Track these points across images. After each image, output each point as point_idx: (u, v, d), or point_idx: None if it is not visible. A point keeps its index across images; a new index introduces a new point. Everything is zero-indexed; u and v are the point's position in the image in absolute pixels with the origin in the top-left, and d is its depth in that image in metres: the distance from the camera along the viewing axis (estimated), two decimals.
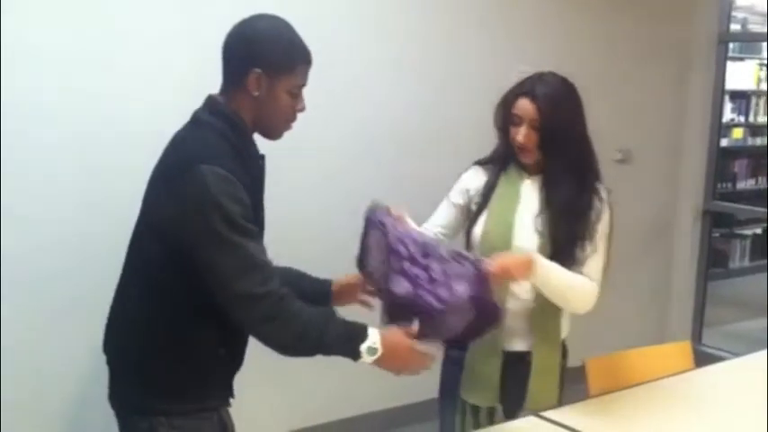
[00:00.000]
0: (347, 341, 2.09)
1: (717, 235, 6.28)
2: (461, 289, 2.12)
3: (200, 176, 1.97)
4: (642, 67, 4.99)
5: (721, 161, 5.71)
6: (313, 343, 2.07)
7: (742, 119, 7.21)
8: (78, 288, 3.21)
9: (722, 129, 5.72)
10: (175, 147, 2.15)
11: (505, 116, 2.46)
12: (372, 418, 4.07)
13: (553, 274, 2.36)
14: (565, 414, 2.41)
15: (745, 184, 6.94)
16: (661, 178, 5.29)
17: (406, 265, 2.17)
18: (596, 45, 4.77)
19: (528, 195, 2.50)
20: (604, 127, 4.80)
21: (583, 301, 2.47)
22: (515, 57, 4.35)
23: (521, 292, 2.45)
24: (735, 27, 5.61)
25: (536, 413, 2.43)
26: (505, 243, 2.44)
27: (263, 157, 2.25)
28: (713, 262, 5.94)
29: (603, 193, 2.52)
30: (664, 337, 5.17)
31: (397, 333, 2.15)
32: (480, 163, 2.61)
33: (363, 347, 2.08)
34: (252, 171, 2.16)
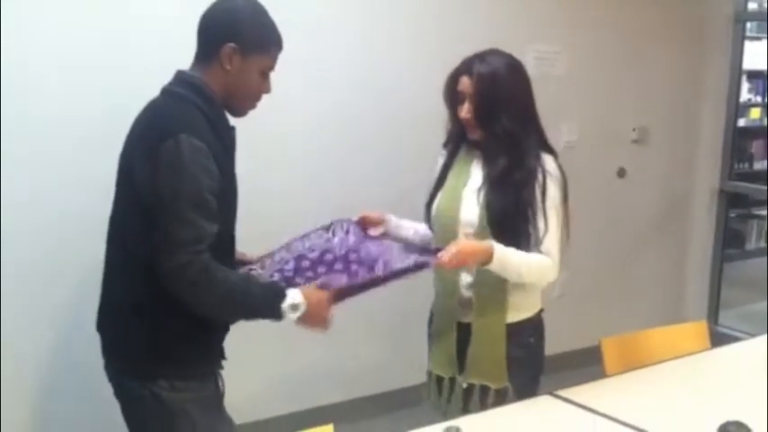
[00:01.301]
0: (269, 300, 2.20)
1: (733, 215, 6.24)
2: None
3: (177, 144, 2.06)
4: (659, 46, 4.96)
5: (738, 141, 5.68)
6: (237, 305, 2.18)
7: (759, 99, 7.15)
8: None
9: (739, 109, 5.68)
10: (152, 116, 2.21)
11: (452, 94, 2.56)
12: (370, 402, 4.11)
13: (509, 262, 2.44)
14: (580, 393, 2.41)
15: (763, 165, 6.88)
16: (677, 158, 5.26)
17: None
18: (612, 24, 4.74)
19: (476, 170, 2.60)
20: (620, 107, 4.86)
21: (540, 279, 2.54)
22: (528, 37, 4.34)
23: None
24: (752, 6, 5.54)
25: (551, 392, 2.44)
26: (454, 217, 2.58)
27: (233, 128, 2.32)
28: (729, 243, 5.91)
29: (551, 165, 2.53)
30: (680, 317, 5.16)
31: (313, 290, 2.29)
32: (443, 145, 2.73)
33: (285, 305, 2.19)
34: (224, 142, 2.23)
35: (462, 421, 2.21)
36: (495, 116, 2.48)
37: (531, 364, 2.63)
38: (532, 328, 2.64)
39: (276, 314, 2.20)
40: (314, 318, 2.26)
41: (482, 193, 2.54)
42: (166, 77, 2.28)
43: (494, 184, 2.52)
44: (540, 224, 2.48)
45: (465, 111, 2.51)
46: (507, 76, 2.52)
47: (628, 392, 2.45)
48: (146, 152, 2.12)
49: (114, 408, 2.34)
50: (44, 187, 3.21)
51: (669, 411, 2.35)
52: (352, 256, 2.42)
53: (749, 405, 2.32)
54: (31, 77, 3.14)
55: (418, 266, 2.40)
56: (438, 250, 2.40)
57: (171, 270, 2.09)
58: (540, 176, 2.50)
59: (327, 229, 2.53)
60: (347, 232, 2.50)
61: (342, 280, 2.37)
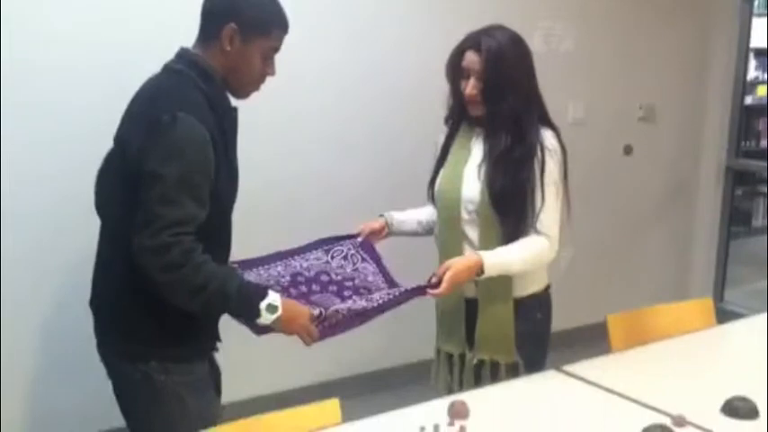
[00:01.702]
0: (247, 297, 2.13)
1: (739, 193, 6.23)
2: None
3: (174, 123, 2.03)
4: (665, 23, 4.94)
5: (745, 119, 5.66)
6: (212, 296, 2.08)
7: (766, 77, 7.12)
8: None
9: (746, 86, 5.66)
10: (151, 93, 2.17)
11: (455, 70, 2.54)
12: (375, 378, 4.13)
13: (503, 263, 2.46)
14: (585, 368, 2.42)
15: None
16: (684, 136, 5.25)
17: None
18: (620, 2, 4.72)
19: (477, 147, 2.59)
20: (627, 84, 4.85)
21: (541, 262, 2.56)
22: (536, 14, 4.33)
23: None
24: None
25: (557, 367, 2.45)
26: (456, 193, 2.58)
27: (235, 109, 2.28)
28: (735, 220, 5.91)
29: (550, 141, 2.53)
30: (685, 295, 5.17)
31: (295, 302, 2.27)
32: (444, 121, 2.72)
33: (263, 305, 2.13)
34: (224, 123, 2.19)
35: (468, 396, 2.23)
36: (502, 92, 2.47)
37: (538, 340, 2.65)
38: (540, 304, 2.65)
39: (253, 312, 2.14)
40: (289, 324, 2.19)
41: (483, 170, 2.54)
42: (169, 55, 2.27)
43: (495, 161, 2.51)
44: (538, 200, 2.49)
45: (470, 87, 2.49)
46: (514, 51, 2.51)
47: (634, 368, 2.46)
48: (142, 128, 2.08)
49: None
50: (43, 170, 3.23)
51: (675, 387, 2.36)
52: (348, 284, 2.44)
53: (754, 381, 2.33)
54: (31, 60, 3.15)
55: (412, 295, 2.41)
56: (429, 285, 2.41)
57: (149, 249, 2.03)
58: (538, 152, 2.50)
59: (327, 251, 2.54)
60: (345, 258, 2.52)
61: (334, 301, 2.37)
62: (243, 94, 2.28)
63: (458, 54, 2.54)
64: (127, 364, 2.21)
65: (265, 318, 2.14)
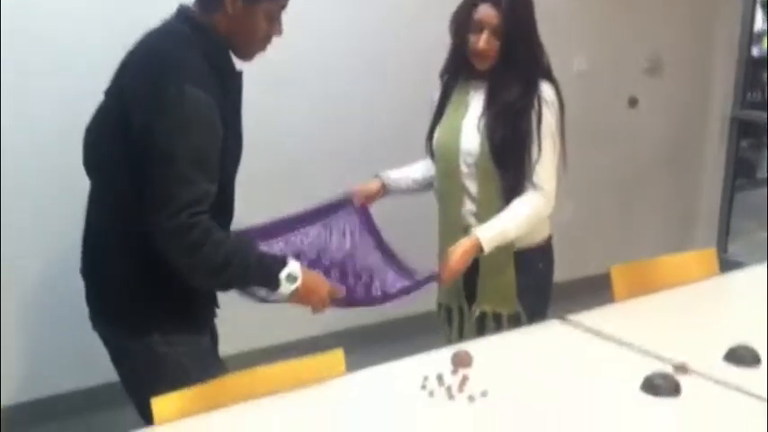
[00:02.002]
0: (267, 267, 2.10)
1: (744, 145, 6.21)
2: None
3: (181, 96, 1.93)
4: None
5: (751, 70, 5.61)
6: (234, 271, 2.03)
7: None
8: None
9: (753, 37, 5.61)
10: (152, 58, 2.04)
11: (465, 23, 2.49)
12: (380, 329, 4.15)
13: (500, 236, 2.46)
14: (588, 318, 2.43)
15: None
16: (689, 87, 5.22)
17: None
18: None
19: (476, 100, 2.58)
20: (632, 35, 4.81)
21: (538, 220, 2.56)
22: None
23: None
24: None
25: (561, 317, 2.46)
26: (454, 147, 2.57)
27: (240, 73, 2.17)
28: (740, 172, 5.89)
29: (546, 92, 2.52)
30: (689, 246, 5.16)
31: (317, 274, 2.25)
32: (439, 76, 2.69)
33: (283, 274, 2.09)
34: (228, 89, 2.10)
35: (471, 345, 2.24)
36: (516, 47, 2.46)
37: (540, 291, 2.66)
38: (541, 255, 2.66)
39: (273, 282, 2.10)
40: (308, 294, 2.17)
41: (482, 123, 2.53)
42: (170, 10, 2.16)
43: (496, 113, 2.51)
44: (535, 153, 2.49)
45: (483, 41, 2.46)
46: (526, 3, 2.50)
47: (637, 317, 2.47)
48: (144, 98, 1.98)
49: None
50: (45, 125, 3.23)
51: (678, 336, 2.37)
52: (349, 266, 2.43)
53: (756, 330, 2.34)
54: (31, 27, 3.14)
55: (416, 288, 2.43)
56: (431, 277, 2.44)
57: (167, 231, 1.96)
58: (536, 104, 2.49)
59: (326, 226, 2.52)
60: (344, 234, 2.50)
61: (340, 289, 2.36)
62: (247, 55, 2.16)
63: (469, 6, 2.49)
64: (127, 336, 2.15)
65: (285, 288, 2.11)
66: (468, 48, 2.51)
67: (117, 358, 2.22)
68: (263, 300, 2.20)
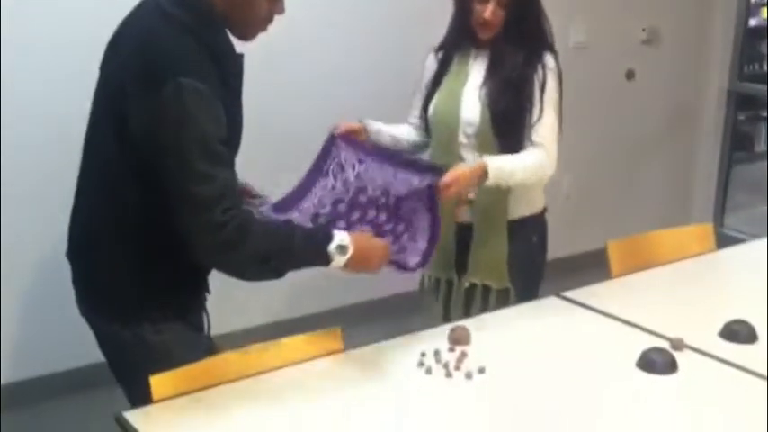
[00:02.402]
0: (314, 245, 2.00)
1: (742, 118, 6.19)
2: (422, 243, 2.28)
3: (179, 92, 1.82)
4: None
5: (749, 41, 5.59)
6: (280, 259, 1.97)
7: None
8: None
9: (751, 8, 5.57)
10: (146, 46, 1.91)
11: None
12: (378, 305, 4.15)
13: (506, 171, 2.43)
14: (585, 294, 2.43)
15: None
16: (687, 59, 5.20)
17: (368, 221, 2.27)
18: None
19: (476, 70, 2.58)
20: (630, 6, 4.77)
21: (542, 175, 2.55)
22: None
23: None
24: None
25: (557, 293, 2.46)
26: (454, 117, 2.57)
27: (240, 56, 2.06)
28: (737, 145, 5.87)
29: (550, 61, 2.54)
30: (686, 220, 5.17)
31: (367, 235, 2.16)
32: (438, 48, 2.67)
33: (332, 247, 1.99)
34: (227, 72, 1.99)
35: (469, 321, 2.25)
36: (523, 17, 2.48)
37: (533, 263, 2.67)
38: (535, 227, 2.66)
39: (323, 259, 2.00)
40: (364, 260, 2.05)
41: (484, 92, 2.53)
42: None
43: (499, 82, 2.51)
44: (536, 115, 2.49)
45: (490, 12, 2.45)
46: None
47: (634, 293, 2.47)
48: (141, 94, 1.87)
49: None
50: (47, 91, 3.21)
51: (675, 311, 2.37)
52: (362, 198, 2.29)
53: (753, 304, 2.35)
54: None
55: (426, 188, 2.29)
56: (437, 170, 2.32)
57: (200, 231, 1.89)
58: (540, 72, 2.50)
59: (326, 173, 2.37)
60: (342, 168, 2.37)
61: (366, 228, 2.24)
62: (248, 36, 2.05)
63: None
64: (116, 324, 2.07)
65: (338, 261, 2.00)
66: (471, 17, 2.50)
67: (104, 344, 2.16)
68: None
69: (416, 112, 2.73)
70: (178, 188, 1.88)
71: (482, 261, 2.63)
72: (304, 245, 1.99)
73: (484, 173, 2.39)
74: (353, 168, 2.35)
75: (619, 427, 1.81)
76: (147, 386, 1.85)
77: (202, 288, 2.22)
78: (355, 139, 2.46)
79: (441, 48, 2.66)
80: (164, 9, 1.92)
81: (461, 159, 2.56)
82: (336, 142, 2.41)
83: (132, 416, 1.79)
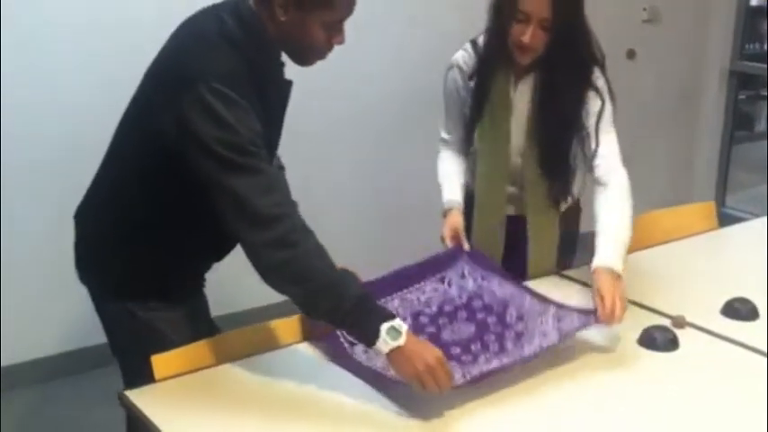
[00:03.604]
0: (366, 310, 1.79)
1: (743, 97, 6.17)
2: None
3: (202, 99, 1.76)
4: None
5: (750, 20, 5.56)
6: (324, 292, 1.79)
7: None
8: None
9: None
10: (180, 47, 1.90)
11: (509, 11, 2.20)
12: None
13: (624, 247, 2.18)
14: (587, 272, 2.39)
15: None
16: (688, 38, 5.18)
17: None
18: None
19: (521, 99, 2.36)
20: None
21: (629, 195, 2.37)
22: None
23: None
24: None
25: (558, 272, 2.46)
26: (503, 153, 2.40)
27: (288, 83, 2.01)
28: (739, 124, 5.86)
29: (600, 82, 2.33)
30: (687, 199, 5.16)
31: (425, 341, 1.86)
32: (471, 75, 2.41)
33: (385, 326, 1.75)
34: (270, 95, 1.93)
35: None
36: (570, 40, 2.23)
37: (573, 253, 2.59)
38: (576, 211, 2.59)
39: (370, 330, 1.75)
40: (412, 359, 1.74)
41: (532, 125, 2.35)
42: None
43: (549, 115, 2.32)
44: (592, 145, 2.31)
45: (530, 35, 2.17)
46: None
47: (635, 271, 2.46)
48: (167, 95, 1.83)
49: None
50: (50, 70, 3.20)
51: (677, 289, 2.38)
52: (477, 303, 2.12)
53: (754, 282, 2.35)
54: None
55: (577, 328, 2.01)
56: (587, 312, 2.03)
57: (248, 231, 1.79)
58: (592, 100, 2.31)
59: (442, 280, 2.21)
60: (462, 276, 2.22)
61: (470, 329, 2.04)
62: (305, 63, 1.95)
63: None
64: (109, 298, 2.06)
65: (384, 342, 1.74)
66: (509, 39, 2.23)
67: (100, 313, 2.14)
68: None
69: (453, 136, 2.51)
70: (218, 185, 1.79)
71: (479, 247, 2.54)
72: (357, 298, 1.79)
73: (618, 276, 2.09)
74: (476, 280, 2.21)
75: (620, 404, 1.81)
76: (136, 360, 1.85)
77: (201, 273, 2.19)
78: (485, 258, 2.32)
79: (476, 72, 2.39)
80: (220, 17, 1.88)
81: (506, 192, 2.44)
82: (464, 257, 2.28)
83: (134, 395, 1.79)
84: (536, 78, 2.33)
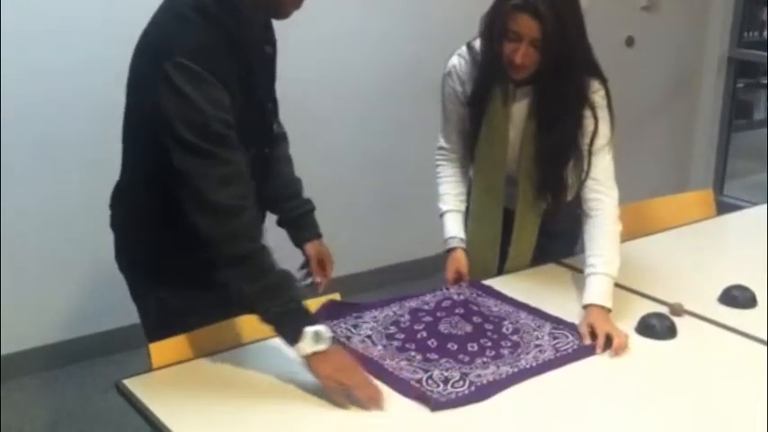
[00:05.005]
0: (297, 310, 1.80)
1: (741, 85, 6.16)
2: None
3: (169, 76, 1.74)
4: None
5: (749, 8, 5.55)
6: (273, 290, 1.79)
7: None
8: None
9: None
10: (153, 22, 1.88)
11: (500, 30, 2.16)
12: (379, 274, 4.16)
13: (615, 278, 2.16)
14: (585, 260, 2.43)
15: None
16: (686, 25, 5.17)
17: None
18: None
19: (519, 110, 2.32)
20: None
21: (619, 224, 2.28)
22: None
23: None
24: None
25: (556, 261, 2.46)
26: (500, 165, 2.37)
27: (272, 42, 2.01)
28: (737, 112, 5.86)
29: (599, 98, 2.29)
30: (686, 187, 5.17)
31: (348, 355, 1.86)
32: (471, 96, 2.36)
33: (310, 329, 1.75)
34: (254, 63, 1.92)
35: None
36: (560, 60, 2.18)
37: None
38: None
39: (295, 330, 1.76)
40: (327, 362, 1.76)
41: (528, 135, 2.32)
42: None
43: (545, 132, 2.29)
44: (585, 166, 2.28)
45: (521, 55, 2.14)
46: (571, 9, 2.18)
47: (633, 259, 2.47)
48: (142, 75, 1.86)
49: None
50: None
51: (675, 276, 2.38)
52: (473, 308, 2.15)
53: (752, 270, 2.35)
54: None
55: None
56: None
57: (203, 217, 1.80)
58: (587, 120, 2.26)
59: (443, 309, 2.17)
60: (459, 293, 2.25)
61: (467, 328, 2.04)
62: (282, 14, 1.92)
63: (505, 13, 2.14)
64: (141, 286, 2.09)
65: (306, 345, 1.75)
66: (501, 55, 2.20)
67: (133, 297, 2.14)
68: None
69: (452, 146, 2.47)
70: (180, 169, 1.79)
71: (477, 238, 2.50)
72: (297, 299, 1.82)
73: (608, 311, 2.08)
74: (472, 294, 2.25)
75: (618, 392, 1.81)
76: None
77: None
78: (483, 285, 2.32)
79: (473, 82, 2.35)
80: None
81: (500, 204, 2.42)
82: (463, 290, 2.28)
83: (132, 383, 1.79)
84: (533, 92, 2.30)
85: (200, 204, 1.79)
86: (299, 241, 2.30)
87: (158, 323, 2.05)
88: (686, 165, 5.45)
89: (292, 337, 1.77)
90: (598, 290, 2.11)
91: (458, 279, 2.34)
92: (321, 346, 1.76)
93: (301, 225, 2.30)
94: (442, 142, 2.50)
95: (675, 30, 5.10)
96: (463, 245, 2.40)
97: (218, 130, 1.77)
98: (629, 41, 4.88)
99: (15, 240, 3.28)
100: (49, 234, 3.36)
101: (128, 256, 2.11)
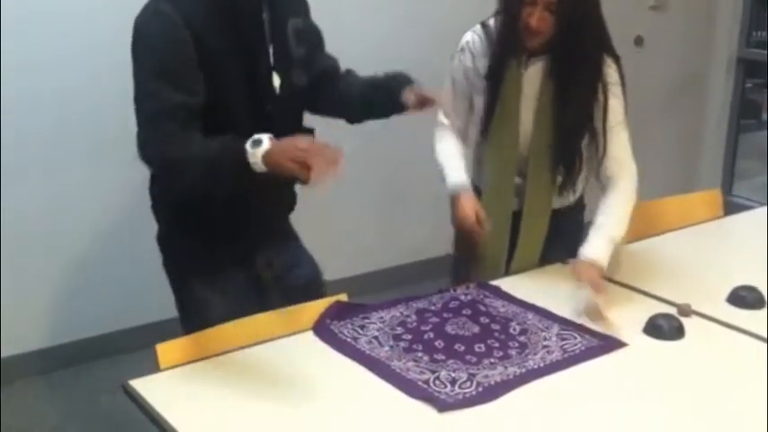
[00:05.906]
0: (230, 143, 1.85)
1: (749, 85, 6.14)
2: None
3: (144, 14, 1.94)
4: None
5: (757, 8, 5.53)
6: (199, 164, 1.89)
7: None
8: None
9: None
10: None
11: None
12: (385, 275, 4.15)
13: (617, 241, 2.23)
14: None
15: None
16: (695, 25, 5.15)
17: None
18: None
19: (531, 82, 2.35)
20: None
21: (634, 201, 2.38)
22: None
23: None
24: None
25: (562, 260, 2.45)
26: (513, 137, 2.38)
27: (274, 7, 2.07)
28: (745, 113, 5.83)
29: (612, 74, 2.32)
30: (694, 187, 5.14)
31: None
32: (471, 50, 2.40)
33: (247, 143, 1.81)
34: (239, 4, 2.00)
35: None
36: (576, 26, 2.21)
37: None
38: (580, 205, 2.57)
39: (240, 155, 1.80)
40: (282, 151, 1.78)
41: (542, 109, 2.34)
42: None
43: (559, 102, 2.31)
44: (601, 144, 2.32)
45: (536, 18, 2.18)
46: None
47: (641, 259, 2.47)
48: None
49: None
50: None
51: (683, 277, 2.37)
52: (481, 308, 2.15)
53: (760, 270, 2.34)
54: None
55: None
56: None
57: (139, 146, 1.92)
58: (600, 95, 2.30)
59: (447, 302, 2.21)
60: (466, 293, 2.24)
61: (474, 329, 2.04)
62: None
63: None
64: (175, 277, 2.21)
65: (253, 155, 1.79)
66: (518, 19, 2.23)
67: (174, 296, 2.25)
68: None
69: (452, 122, 2.48)
70: (135, 105, 1.95)
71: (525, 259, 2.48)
72: (221, 147, 1.88)
73: (601, 269, 2.17)
74: (479, 295, 2.24)
75: (626, 393, 1.80)
76: None
77: (253, 241, 2.23)
78: (491, 287, 2.31)
79: (489, 56, 2.37)
80: None
81: (516, 177, 2.42)
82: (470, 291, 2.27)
83: (139, 384, 1.79)
84: (546, 62, 2.32)
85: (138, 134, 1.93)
86: (395, 94, 2.15)
87: (190, 315, 2.16)
88: (694, 165, 5.43)
89: (239, 156, 1.80)
90: (597, 247, 2.19)
91: (476, 222, 2.29)
92: (263, 147, 1.79)
93: (391, 78, 2.23)
94: (440, 118, 2.50)
95: (684, 29, 5.09)
96: (470, 189, 2.37)
97: (175, 70, 1.92)
98: (638, 41, 4.87)
99: (16, 242, 3.27)
100: (51, 235, 3.35)
101: (163, 247, 2.22)
